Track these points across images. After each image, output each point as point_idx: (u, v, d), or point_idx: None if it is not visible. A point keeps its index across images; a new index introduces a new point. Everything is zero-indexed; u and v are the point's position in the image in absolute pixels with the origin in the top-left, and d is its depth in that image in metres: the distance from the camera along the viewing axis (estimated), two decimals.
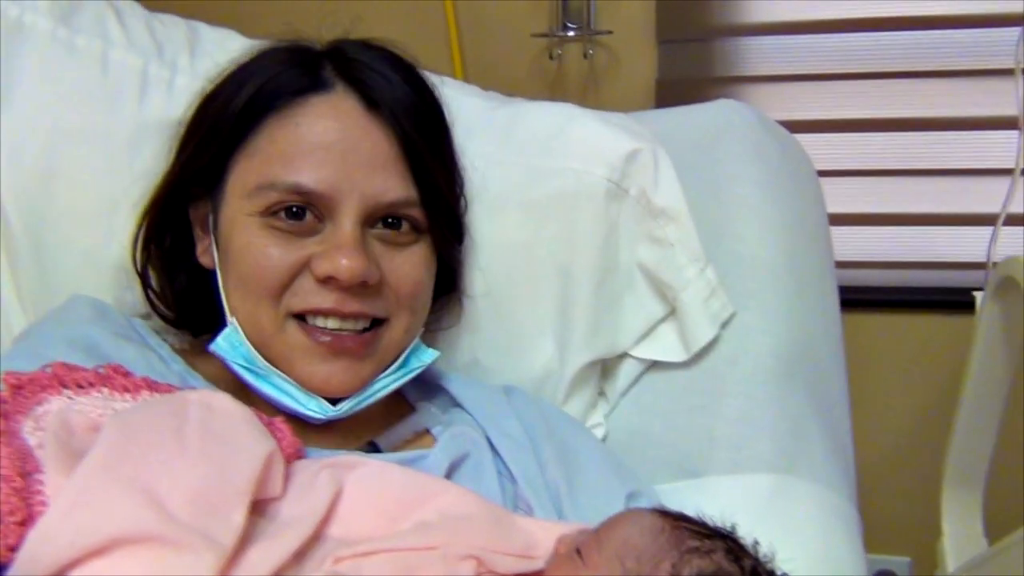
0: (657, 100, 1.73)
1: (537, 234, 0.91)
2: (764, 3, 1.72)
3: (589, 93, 1.76)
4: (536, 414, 0.85)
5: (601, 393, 0.97)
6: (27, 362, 0.69)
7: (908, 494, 1.79)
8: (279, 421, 0.71)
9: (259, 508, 0.63)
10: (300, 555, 0.64)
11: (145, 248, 0.85)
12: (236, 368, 0.76)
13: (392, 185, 0.75)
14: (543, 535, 0.72)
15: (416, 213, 0.77)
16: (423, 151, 0.77)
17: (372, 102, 0.76)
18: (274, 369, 0.75)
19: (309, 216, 0.74)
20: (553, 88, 1.77)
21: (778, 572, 0.66)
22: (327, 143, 0.74)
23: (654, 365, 0.94)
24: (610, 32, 1.71)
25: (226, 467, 0.61)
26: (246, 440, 0.64)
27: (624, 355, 0.95)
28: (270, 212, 0.74)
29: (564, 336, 0.91)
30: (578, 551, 0.65)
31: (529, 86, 1.76)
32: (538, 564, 0.70)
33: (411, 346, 0.80)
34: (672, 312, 0.93)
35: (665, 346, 0.94)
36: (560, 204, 0.91)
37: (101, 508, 0.54)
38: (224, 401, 0.67)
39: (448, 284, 0.87)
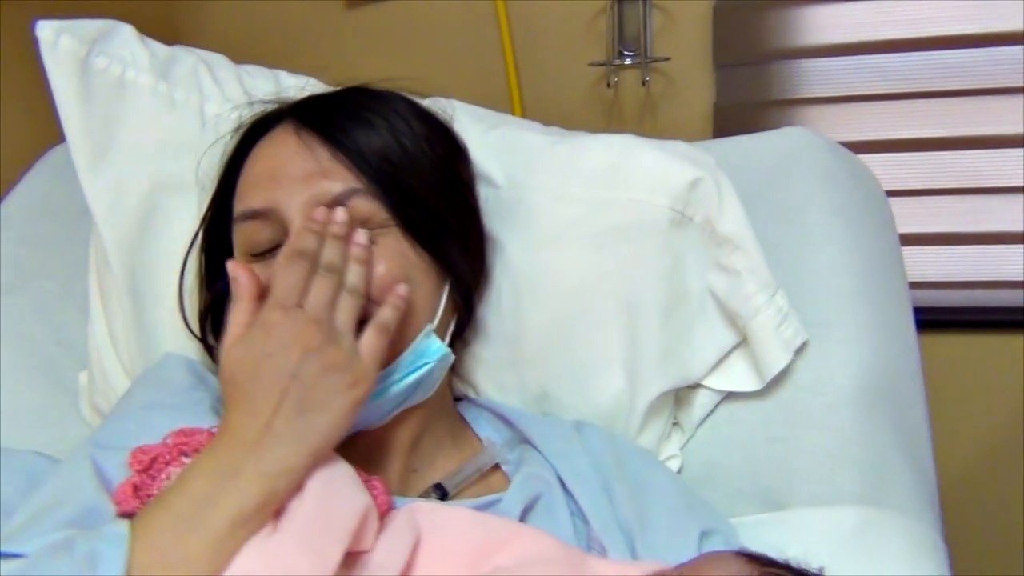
0: (715, 124, 1.71)
1: (601, 266, 0.90)
2: (818, 24, 1.70)
3: (646, 119, 1.76)
4: (607, 450, 0.84)
5: (676, 424, 0.95)
6: (134, 429, 0.74)
7: (988, 517, 1.72)
8: (375, 480, 0.71)
9: (350, 560, 0.64)
10: None
11: (203, 306, 0.87)
12: None
13: (333, 182, 0.76)
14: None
15: (368, 203, 0.76)
16: (366, 150, 0.77)
17: (306, 122, 0.79)
18: None
19: (267, 235, 0.76)
20: (610, 116, 1.76)
21: None
22: (267, 169, 0.78)
23: (732, 396, 0.93)
24: (667, 59, 1.70)
25: (331, 516, 0.63)
26: (349, 492, 0.65)
27: (698, 385, 0.94)
28: (243, 253, 0.78)
29: (634, 367, 0.90)
30: None
31: (586, 115, 1.76)
32: None
33: (415, 344, 0.76)
34: (744, 340, 0.91)
35: (739, 376, 0.92)
36: (624, 235, 0.90)
37: None
38: (342, 463, 0.68)
39: (460, 293, 0.84)
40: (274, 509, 0.62)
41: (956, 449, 1.74)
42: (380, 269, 0.75)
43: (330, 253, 0.71)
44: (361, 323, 0.70)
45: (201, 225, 0.87)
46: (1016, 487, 1.55)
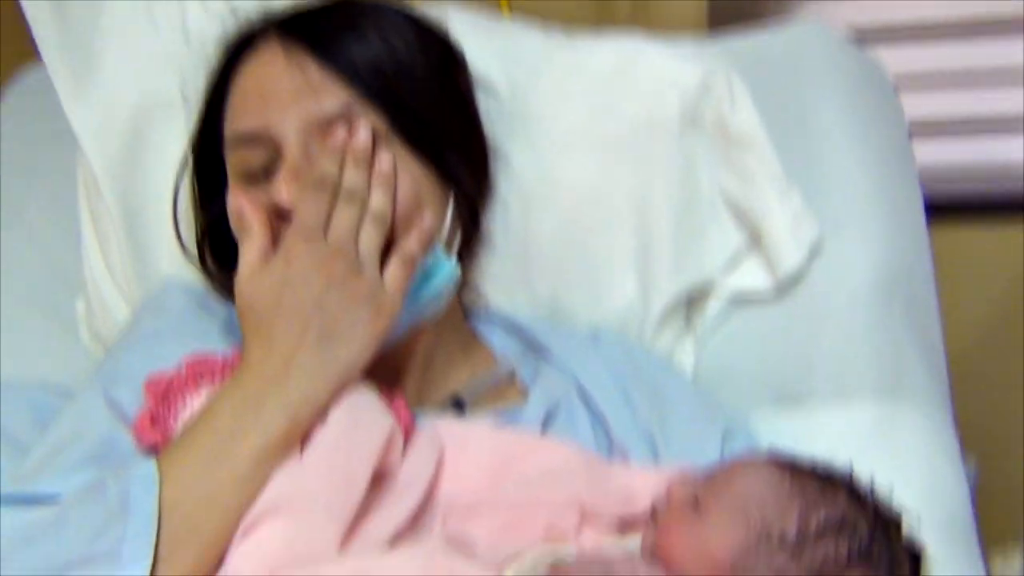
0: (710, 17, 1.65)
1: (612, 170, 0.88)
2: None
3: (639, 14, 1.69)
4: (624, 357, 0.83)
5: (688, 329, 0.94)
6: (143, 359, 0.72)
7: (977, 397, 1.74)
8: (398, 400, 0.70)
9: (376, 480, 0.64)
10: (415, 519, 0.65)
11: (199, 230, 0.84)
12: None
13: (327, 99, 0.71)
14: (641, 485, 0.70)
15: (367, 119, 0.72)
16: (358, 62, 0.73)
17: (294, 35, 0.74)
18: None
19: (260, 158, 0.72)
20: (600, 12, 1.70)
21: (898, 514, 0.63)
22: (255, 88, 0.74)
23: (746, 303, 0.91)
24: None
25: (355, 440, 0.62)
26: (372, 415, 0.65)
27: (712, 289, 0.92)
28: (237, 177, 0.74)
29: (647, 271, 0.89)
30: (695, 501, 0.63)
31: (576, 11, 1.69)
32: (639, 513, 0.69)
33: (424, 263, 0.72)
34: (757, 241, 0.90)
35: (753, 276, 0.91)
36: (634, 138, 0.87)
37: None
38: (365, 387, 0.67)
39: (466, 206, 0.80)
40: (299, 439, 0.62)
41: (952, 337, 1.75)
42: (399, 192, 0.72)
43: (353, 178, 0.68)
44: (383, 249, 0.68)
45: (191, 147, 0.84)
46: (1004, 371, 1.57)
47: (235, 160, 0.75)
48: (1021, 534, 1.52)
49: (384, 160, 0.70)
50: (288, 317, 0.62)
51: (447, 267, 0.75)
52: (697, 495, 0.63)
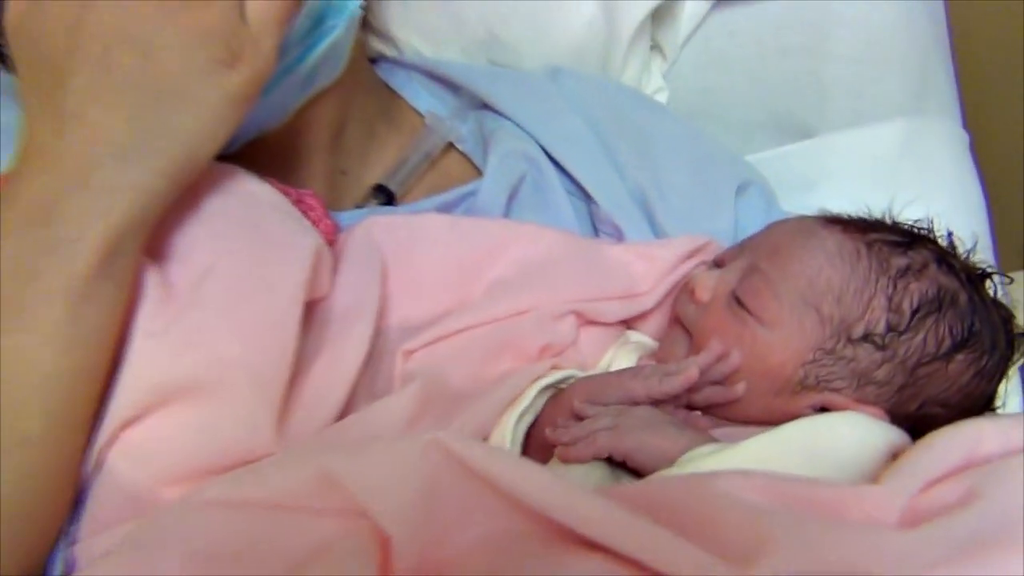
0: None
1: None
2: None
3: None
4: (596, 96, 0.64)
5: (655, 47, 0.74)
6: None
7: None
8: (308, 196, 0.52)
9: (309, 313, 0.47)
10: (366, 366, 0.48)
11: None
12: None
13: None
14: (643, 265, 0.55)
15: None
16: None
17: None
18: None
19: None
20: None
21: (982, 268, 0.49)
22: None
23: (726, 4, 0.71)
24: None
25: (270, 269, 0.45)
26: (283, 232, 0.47)
27: None
28: None
29: None
30: (738, 300, 0.47)
31: None
32: (647, 302, 0.53)
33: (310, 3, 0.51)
34: None
35: None
36: None
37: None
38: (257, 186, 0.48)
39: None
40: (132, 265, 0.42)
41: None
42: None
43: None
44: None
45: None
46: None
47: None
48: None
49: None
50: (92, 65, 0.40)
51: (345, 4, 0.53)
52: (735, 288, 0.48)
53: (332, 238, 0.53)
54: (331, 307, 0.49)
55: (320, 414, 0.45)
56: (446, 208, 0.59)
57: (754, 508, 0.32)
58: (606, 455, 0.41)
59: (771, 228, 0.51)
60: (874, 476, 0.40)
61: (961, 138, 0.72)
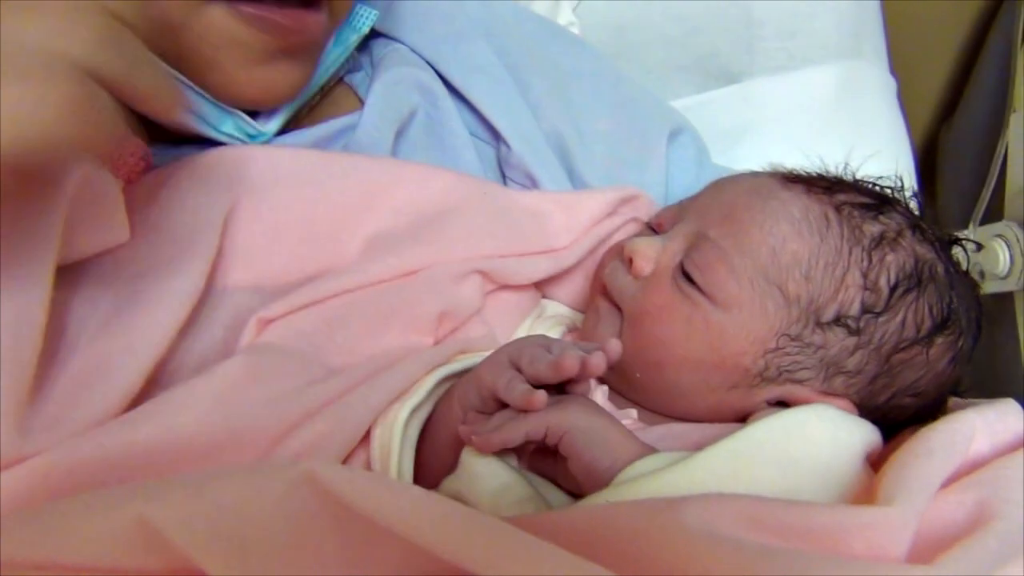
0: None
1: None
2: None
3: None
4: (507, 26, 0.53)
5: None
6: None
7: None
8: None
9: (101, 266, 0.36)
10: (191, 321, 0.37)
11: None
12: None
13: None
14: (561, 216, 0.46)
15: None
16: None
17: None
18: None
19: None
20: None
21: (948, 234, 0.42)
22: None
23: None
24: None
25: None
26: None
27: None
28: None
29: None
30: (686, 275, 0.38)
31: None
32: (566, 259, 0.44)
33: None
34: None
35: None
36: None
37: None
38: None
39: None
40: None
41: None
42: None
43: None
44: None
45: None
46: None
47: None
48: None
49: None
50: None
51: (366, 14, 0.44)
52: (683, 260, 0.39)
53: (136, 168, 0.41)
54: (139, 257, 0.37)
55: (98, 398, 0.33)
56: (318, 145, 0.47)
57: (741, 549, 0.24)
58: (542, 434, 0.32)
59: (720, 186, 0.42)
60: (855, 485, 0.33)
61: (890, 84, 0.66)
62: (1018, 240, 0.61)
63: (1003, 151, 0.65)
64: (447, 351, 0.38)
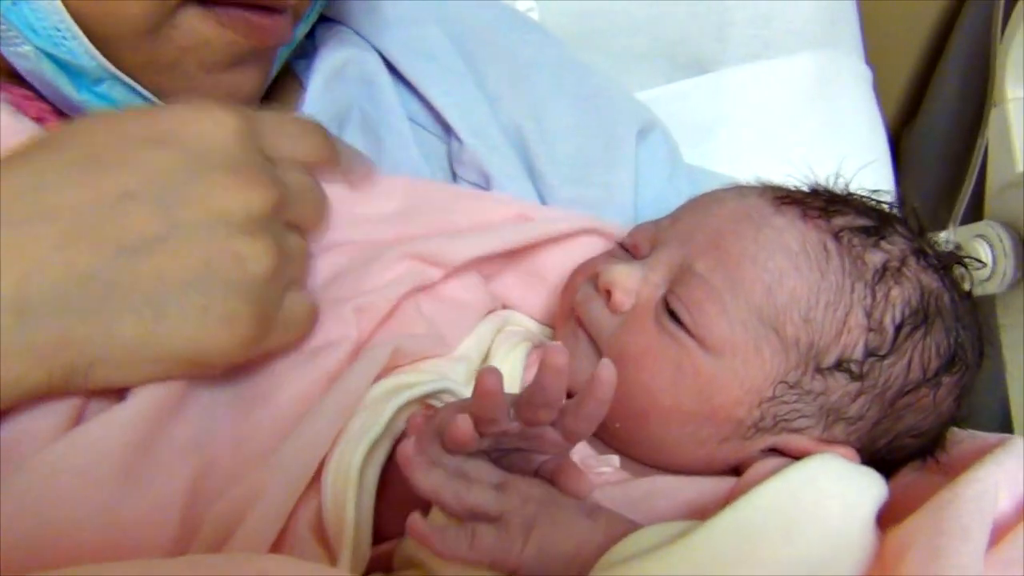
0: None
1: None
2: None
3: None
4: (462, 10, 0.48)
5: None
6: None
7: None
8: None
9: None
10: None
11: None
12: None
13: None
14: (520, 234, 0.40)
15: None
16: None
17: None
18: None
19: None
20: None
21: (951, 250, 0.38)
22: None
23: None
24: None
25: None
26: None
27: None
28: None
29: None
30: (671, 313, 0.34)
31: None
32: (506, 238, 0.39)
33: None
34: None
35: None
36: None
37: None
38: None
39: None
40: None
41: None
42: None
43: None
44: None
45: None
46: None
47: None
48: None
49: None
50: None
51: None
52: (667, 295, 0.34)
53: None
54: None
55: None
56: None
57: None
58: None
59: (704, 207, 0.37)
60: (867, 552, 0.29)
61: (867, 75, 0.62)
62: (1000, 240, 0.58)
63: (983, 147, 0.62)
64: (380, 355, 0.33)
